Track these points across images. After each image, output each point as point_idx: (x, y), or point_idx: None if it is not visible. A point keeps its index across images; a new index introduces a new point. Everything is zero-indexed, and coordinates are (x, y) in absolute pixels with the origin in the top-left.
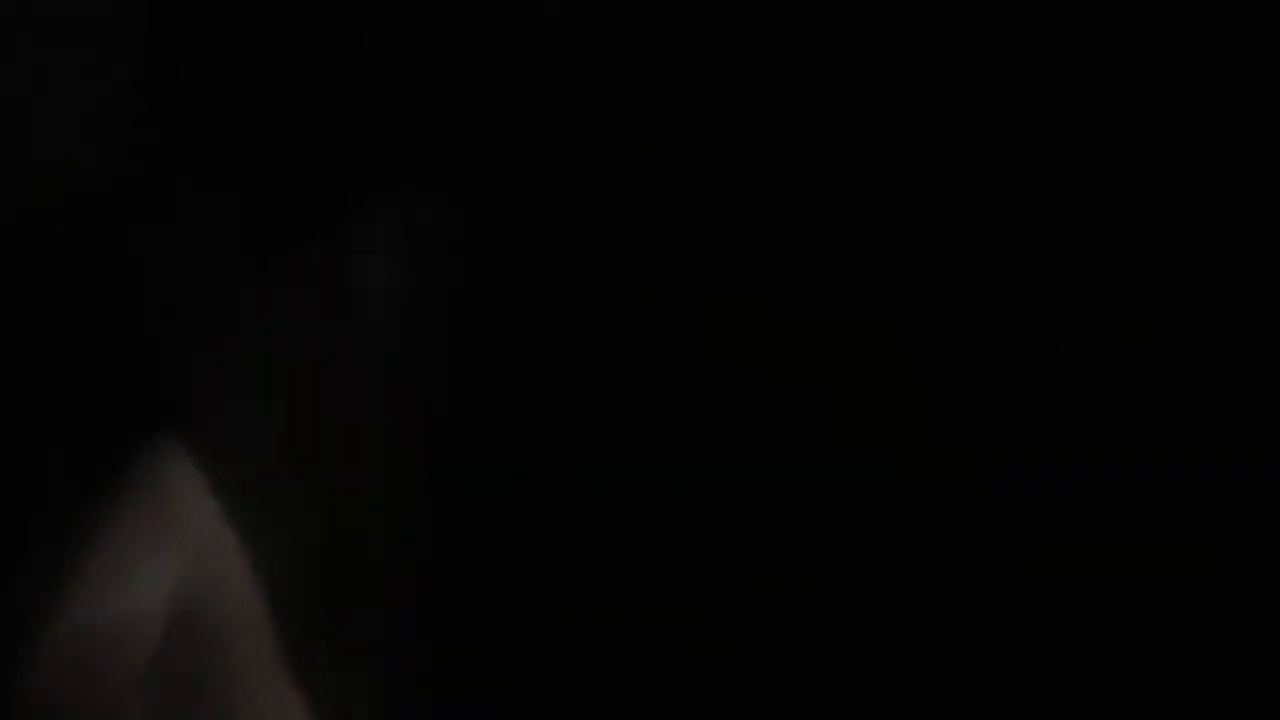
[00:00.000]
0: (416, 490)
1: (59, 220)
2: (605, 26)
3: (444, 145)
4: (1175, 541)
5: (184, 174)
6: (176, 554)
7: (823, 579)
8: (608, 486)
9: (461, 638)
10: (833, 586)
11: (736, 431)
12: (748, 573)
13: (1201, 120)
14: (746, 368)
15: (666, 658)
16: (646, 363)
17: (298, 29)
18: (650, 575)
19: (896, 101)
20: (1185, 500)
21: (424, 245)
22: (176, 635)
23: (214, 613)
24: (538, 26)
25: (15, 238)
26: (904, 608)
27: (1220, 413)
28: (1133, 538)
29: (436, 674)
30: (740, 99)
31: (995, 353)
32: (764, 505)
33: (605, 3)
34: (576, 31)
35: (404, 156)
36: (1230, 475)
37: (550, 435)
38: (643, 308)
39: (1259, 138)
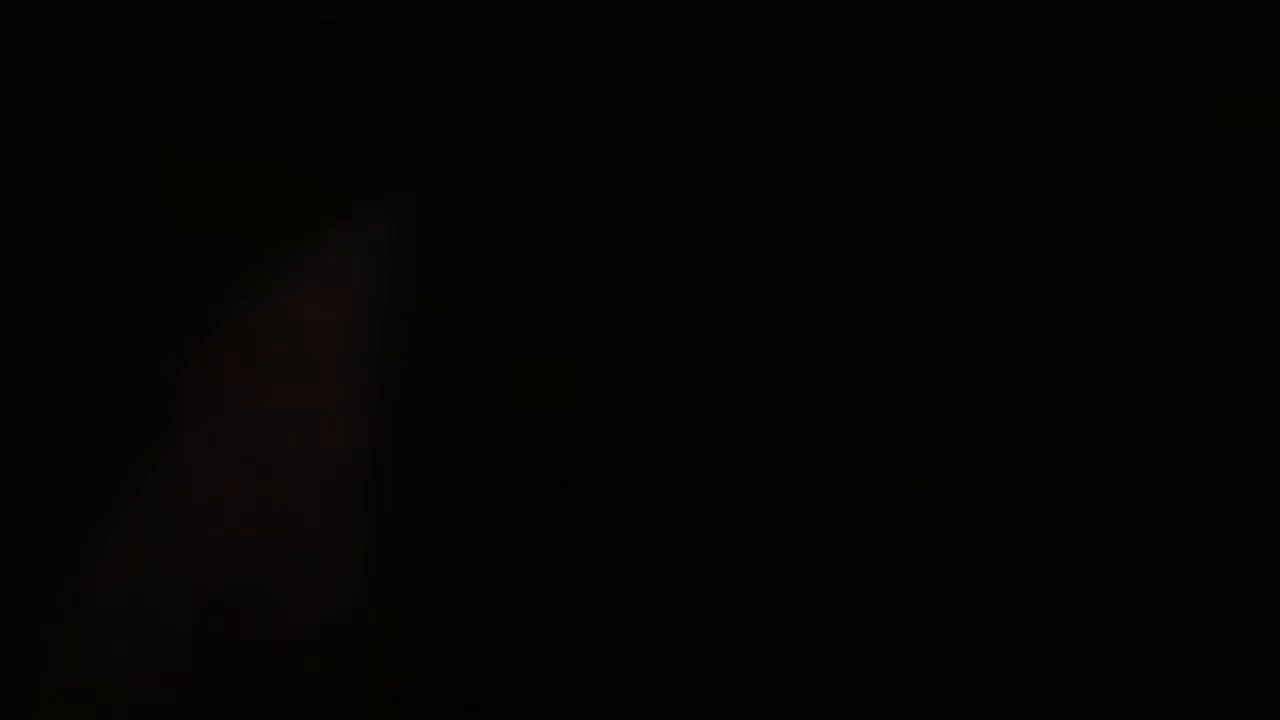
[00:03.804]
0: (406, 495)
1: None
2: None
3: (442, 142)
4: (1176, 541)
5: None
6: None
7: (822, 579)
8: (604, 487)
9: (459, 639)
10: (832, 587)
11: (736, 431)
12: (747, 574)
13: (1190, 118)
14: (746, 367)
15: (666, 657)
16: (644, 361)
17: (297, 24)
18: (649, 576)
19: (896, 100)
20: (1187, 499)
21: (421, 242)
22: None
23: None
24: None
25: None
26: (905, 608)
27: (1220, 408)
28: (1135, 534)
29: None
30: (738, 97)
31: (995, 350)
32: (764, 505)
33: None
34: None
35: (402, 153)
36: (1230, 474)
37: (548, 435)
38: (643, 307)
39: (1257, 136)
